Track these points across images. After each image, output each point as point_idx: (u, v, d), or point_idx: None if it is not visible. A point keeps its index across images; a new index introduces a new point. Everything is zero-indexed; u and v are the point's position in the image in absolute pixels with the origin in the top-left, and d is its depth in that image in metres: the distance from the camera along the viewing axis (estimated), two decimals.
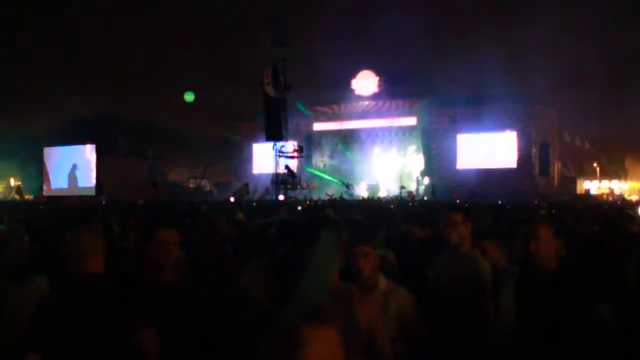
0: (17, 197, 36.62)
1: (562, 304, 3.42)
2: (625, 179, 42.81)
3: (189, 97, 40.40)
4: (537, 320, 3.46)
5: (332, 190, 39.97)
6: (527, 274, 3.68)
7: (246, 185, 38.34)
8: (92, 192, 44.76)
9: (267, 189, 39.06)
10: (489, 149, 41.06)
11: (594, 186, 41.65)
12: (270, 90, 34.10)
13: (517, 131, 40.71)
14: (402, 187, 38.80)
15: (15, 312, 3.20)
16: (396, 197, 35.03)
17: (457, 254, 4.36)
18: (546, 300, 3.49)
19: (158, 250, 3.50)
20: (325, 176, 44.46)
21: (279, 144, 35.27)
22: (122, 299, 3.06)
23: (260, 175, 45.00)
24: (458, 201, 28.09)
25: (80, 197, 41.19)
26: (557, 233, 3.67)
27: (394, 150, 44.54)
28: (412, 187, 40.18)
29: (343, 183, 40.38)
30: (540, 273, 3.66)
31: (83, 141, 46.54)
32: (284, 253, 4.87)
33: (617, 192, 40.30)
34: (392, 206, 17.79)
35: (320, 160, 46.97)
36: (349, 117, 45.95)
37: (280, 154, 35.28)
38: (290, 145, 36.07)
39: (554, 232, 3.72)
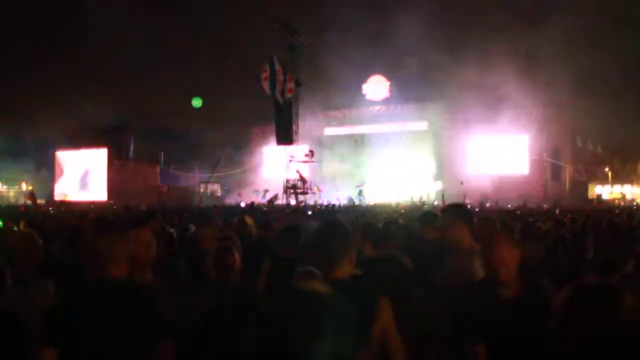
0: (29, 201, 36.76)
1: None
2: (638, 183, 42.53)
3: (197, 102, 40.56)
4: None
5: (344, 194, 39.96)
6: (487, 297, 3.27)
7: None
8: (104, 197, 44.93)
9: (277, 194, 39.12)
10: (500, 153, 40.99)
11: (606, 191, 41.40)
12: (266, 86, 34.10)
13: (529, 136, 40.63)
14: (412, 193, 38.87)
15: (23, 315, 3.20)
16: (408, 201, 34.98)
17: (457, 255, 4.41)
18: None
19: (138, 251, 3.58)
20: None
21: (290, 148, 35.30)
22: (146, 306, 3.07)
23: (270, 180, 45.08)
24: (469, 206, 28.03)
25: (93, 202, 41.39)
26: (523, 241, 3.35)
27: (405, 154, 44.49)
28: (423, 191, 40.14)
29: (359, 190, 40.25)
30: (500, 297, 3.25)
31: (95, 145, 46.74)
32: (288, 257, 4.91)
33: (629, 197, 40.08)
34: (402, 211, 17.77)
35: (331, 164, 46.96)
36: (360, 122, 46.00)
37: (292, 159, 35.29)
38: (301, 150, 36.09)
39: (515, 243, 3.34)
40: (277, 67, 34.28)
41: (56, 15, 42.99)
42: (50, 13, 43.21)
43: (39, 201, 36.44)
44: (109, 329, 2.88)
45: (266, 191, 39.71)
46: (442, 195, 35.82)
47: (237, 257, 4.12)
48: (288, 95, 35.18)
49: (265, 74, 34.24)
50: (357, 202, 34.98)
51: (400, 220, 7.94)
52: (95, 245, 3.19)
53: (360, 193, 39.62)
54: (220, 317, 3.72)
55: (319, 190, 40.41)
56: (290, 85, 35.04)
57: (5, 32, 42.04)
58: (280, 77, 34.40)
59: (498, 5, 38.46)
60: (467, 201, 33.44)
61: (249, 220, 8.08)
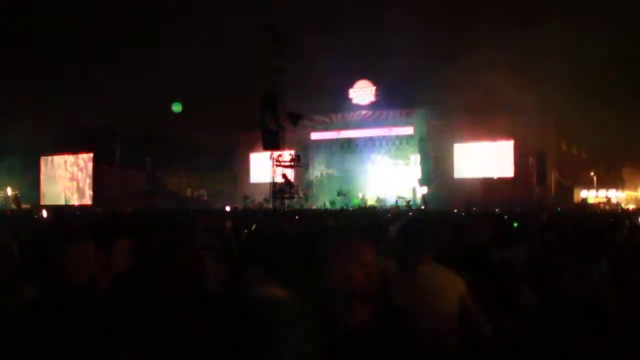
0: (14, 205, 36.51)
1: None
2: (623, 188, 42.82)
3: (177, 107, 40.45)
4: None
5: (329, 199, 40.10)
6: None
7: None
8: (89, 202, 44.74)
9: (265, 199, 39.05)
10: (485, 158, 41.21)
11: (591, 195, 41.64)
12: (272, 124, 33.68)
13: (514, 140, 40.87)
14: (398, 197, 39.00)
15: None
16: (393, 206, 35.07)
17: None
18: None
19: (118, 260, 3.58)
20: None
21: (276, 153, 35.23)
22: (109, 313, 3.00)
23: (257, 185, 45.06)
24: (456, 210, 28.09)
25: (79, 206, 41.19)
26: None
27: (391, 159, 44.65)
28: (409, 196, 40.30)
29: (339, 193, 40.44)
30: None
31: (80, 150, 46.53)
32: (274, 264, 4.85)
33: (614, 200, 40.34)
34: (389, 215, 17.75)
35: (318, 169, 47.02)
36: (347, 126, 46.06)
37: (278, 163, 35.23)
38: (287, 155, 36.06)
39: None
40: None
41: (41, 20, 42.78)
42: (37, 17, 42.99)
43: (24, 206, 36.24)
44: (67, 335, 2.81)
45: (245, 197, 39.90)
46: (424, 199, 36.13)
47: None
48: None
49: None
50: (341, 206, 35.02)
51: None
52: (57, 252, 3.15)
53: (344, 195, 39.78)
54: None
55: (305, 194, 40.48)
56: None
57: None
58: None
59: (484, 12, 38.67)
60: (454, 206, 33.63)
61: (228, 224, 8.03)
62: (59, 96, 43.35)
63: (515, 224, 9.65)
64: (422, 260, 3.74)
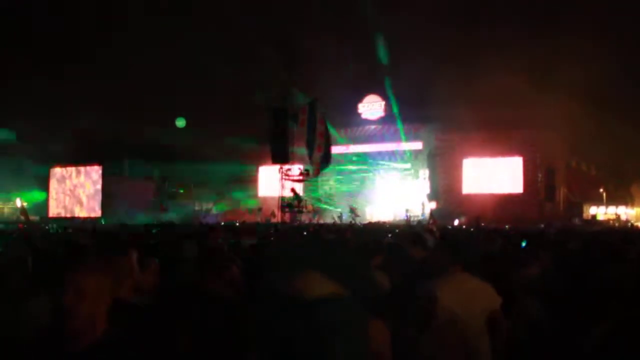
0: (22, 217, 36.64)
1: None
2: (632, 204, 42.63)
3: (180, 122, 40.53)
4: None
5: (338, 213, 40.08)
6: None
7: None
8: (98, 214, 44.82)
9: (273, 212, 39.06)
10: (494, 174, 41.13)
11: (600, 212, 41.49)
12: (302, 121, 31.85)
13: (523, 156, 40.79)
14: (407, 211, 38.96)
15: (15, 332, 3.18)
16: (402, 220, 35.07)
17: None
18: None
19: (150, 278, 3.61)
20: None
21: (285, 167, 35.20)
22: None
23: (265, 198, 45.15)
24: (464, 226, 28.05)
25: (86, 219, 41.30)
26: None
27: (399, 174, 44.65)
28: (418, 211, 40.26)
29: (351, 210, 40.23)
30: None
31: (89, 162, 46.67)
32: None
33: (623, 217, 40.16)
34: (397, 230, 17.73)
35: (327, 183, 47.02)
36: (356, 141, 46.04)
37: (286, 177, 35.22)
38: (296, 169, 36.04)
39: None
40: (319, 116, 31.19)
41: (53, 31, 43.04)
42: (49, 29, 43.27)
43: (32, 217, 36.38)
44: None
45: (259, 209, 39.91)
46: (431, 215, 36.07)
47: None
48: (317, 156, 31.11)
49: (302, 117, 31.63)
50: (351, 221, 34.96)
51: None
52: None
53: (352, 212, 39.64)
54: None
55: (314, 209, 40.46)
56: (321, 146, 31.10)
57: None
58: (321, 129, 31.03)
59: (493, 28, 38.70)
60: (463, 221, 33.58)
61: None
62: (68, 108, 43.54)
63: (524, 243, 9.57)
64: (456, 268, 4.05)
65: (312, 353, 1.75)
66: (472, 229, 20.62)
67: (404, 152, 44.84)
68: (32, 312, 3.52)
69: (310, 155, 31.21)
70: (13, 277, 3.74)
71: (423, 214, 39.86)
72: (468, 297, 3.85)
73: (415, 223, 31.94)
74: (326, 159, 31.31)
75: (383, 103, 45.08)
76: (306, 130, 31.35)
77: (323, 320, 1.78)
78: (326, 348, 1.76)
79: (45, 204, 47.50)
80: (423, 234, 6.69)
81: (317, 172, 32.78)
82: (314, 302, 1.80)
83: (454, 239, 4.64)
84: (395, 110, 43.06)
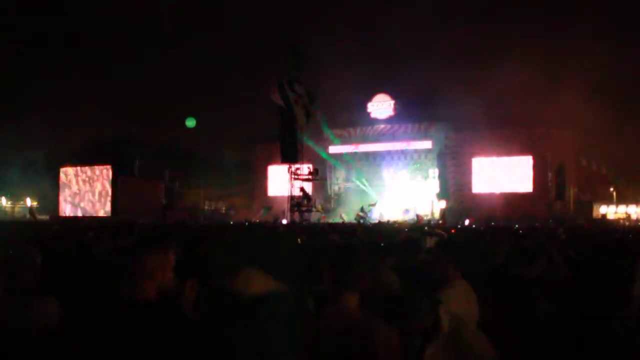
0: (30, 217, 36.83)
1: None
2: None
3: (190, 122, 40.54)
4: None
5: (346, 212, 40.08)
6: None
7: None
8: (108, 213, 45.01)
9: (282, 211, 39.10)
10: (504, 172, 41.03)
11: (611, 211, 41.25)
12: (277, 98, 32.93)
13: (533, 155, 40.64)
14: (406, 210, 39.06)
15: (22, 332, 3.20)
16: (412, 220, 34.94)
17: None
18: None
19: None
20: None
21: (294, 166, 35.22)
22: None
23: (275, 198, 45.21)
24: (474, 226, 27.97)
25: (95, 218, 41.45)
26: None
27: (409, 173, 44.56)
28: (427, 210, 40.16)
29: (362, 210, 40.09)
30: None
31: (99, 162, 46.86)
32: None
33: (634, 216, 39.92)
34: (406, 229, 17.69)
35: (336, 183, 47.00)
36: (365, 140, 45.96)
37: (295, 176, 35.24)
38: (305, 168, 36.06)
39: None
40: (285, 85, 33.02)
41: (63, 33, 43.28)
42: (60, 31, 43.53)
43: (40, 217, 36.56)
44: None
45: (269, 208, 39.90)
46: (444, 214, 35.97)
47: None
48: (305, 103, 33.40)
49: (273, 88, 33.07)
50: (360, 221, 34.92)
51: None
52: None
53: (362, 212, 39.51)
54: None
55: (323, 209, 40.43)
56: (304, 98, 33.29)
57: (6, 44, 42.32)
58: (290, 92, 32.94)
59: (503, 27, 38.63)
60: (471, 220, 33.48)
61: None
62: (79, 108, 43.77)
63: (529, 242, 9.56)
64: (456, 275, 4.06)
65: (253, 352, 1.81)
66: (481, 228, 20.59)
67: (414, 151, 44.72)
68: (42, 311, 3.55)
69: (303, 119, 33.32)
70: (22, 276, 3.76)
71: (432, 213, 39.72)
72: (470, 305, 3.86)
73: (425, 222, 31.84)
74: (311, 102, 33.48)
75: (392, 102, 44.99)
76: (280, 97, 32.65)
77: (263, 317, 1.82)
78: (266, 344, 1.81)
79: (55, 204, 47.74)
80: (421, 238, 6.75)
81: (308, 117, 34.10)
82: (254, 300, 1.84)
83: (458, 246, 4.54)
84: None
